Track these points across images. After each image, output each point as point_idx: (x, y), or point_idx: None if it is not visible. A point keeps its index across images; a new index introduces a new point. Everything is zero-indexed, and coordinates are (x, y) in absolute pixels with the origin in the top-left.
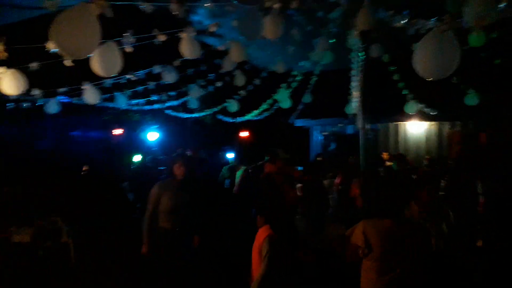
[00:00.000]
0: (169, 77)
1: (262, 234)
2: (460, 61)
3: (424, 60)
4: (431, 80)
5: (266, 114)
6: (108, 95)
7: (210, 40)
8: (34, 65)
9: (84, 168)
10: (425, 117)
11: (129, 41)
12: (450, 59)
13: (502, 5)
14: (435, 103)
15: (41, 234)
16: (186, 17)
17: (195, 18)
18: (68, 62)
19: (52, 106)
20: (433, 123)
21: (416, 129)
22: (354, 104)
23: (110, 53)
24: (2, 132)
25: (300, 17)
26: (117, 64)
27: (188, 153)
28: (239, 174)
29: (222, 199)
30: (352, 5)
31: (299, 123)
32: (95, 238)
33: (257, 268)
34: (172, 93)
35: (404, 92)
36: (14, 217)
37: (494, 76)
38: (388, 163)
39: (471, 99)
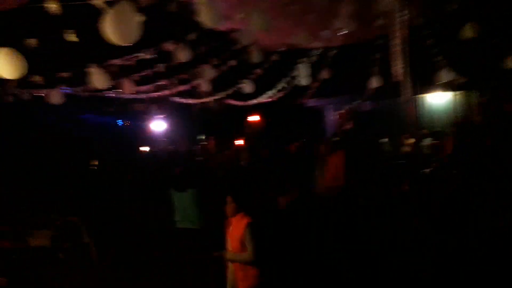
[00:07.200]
0: (183, 55)
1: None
2: None
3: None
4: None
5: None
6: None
7: None
8: (32, 42)
9: (93, 163)
10: (449, 87)
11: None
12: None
13: None
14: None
15: (60, 236)
16: None
17: None
18: (72, 37)
19: (55, 97)
20: (458, 93)
21: (439, 100)
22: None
23: (124, 16)
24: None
25: None
26: (134, 29)
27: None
28: None
29: None
30: None
31: (312, 103)
32: (116, 237)
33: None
34: (183, 76)
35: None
36: (31, 220)
37: None
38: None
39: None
